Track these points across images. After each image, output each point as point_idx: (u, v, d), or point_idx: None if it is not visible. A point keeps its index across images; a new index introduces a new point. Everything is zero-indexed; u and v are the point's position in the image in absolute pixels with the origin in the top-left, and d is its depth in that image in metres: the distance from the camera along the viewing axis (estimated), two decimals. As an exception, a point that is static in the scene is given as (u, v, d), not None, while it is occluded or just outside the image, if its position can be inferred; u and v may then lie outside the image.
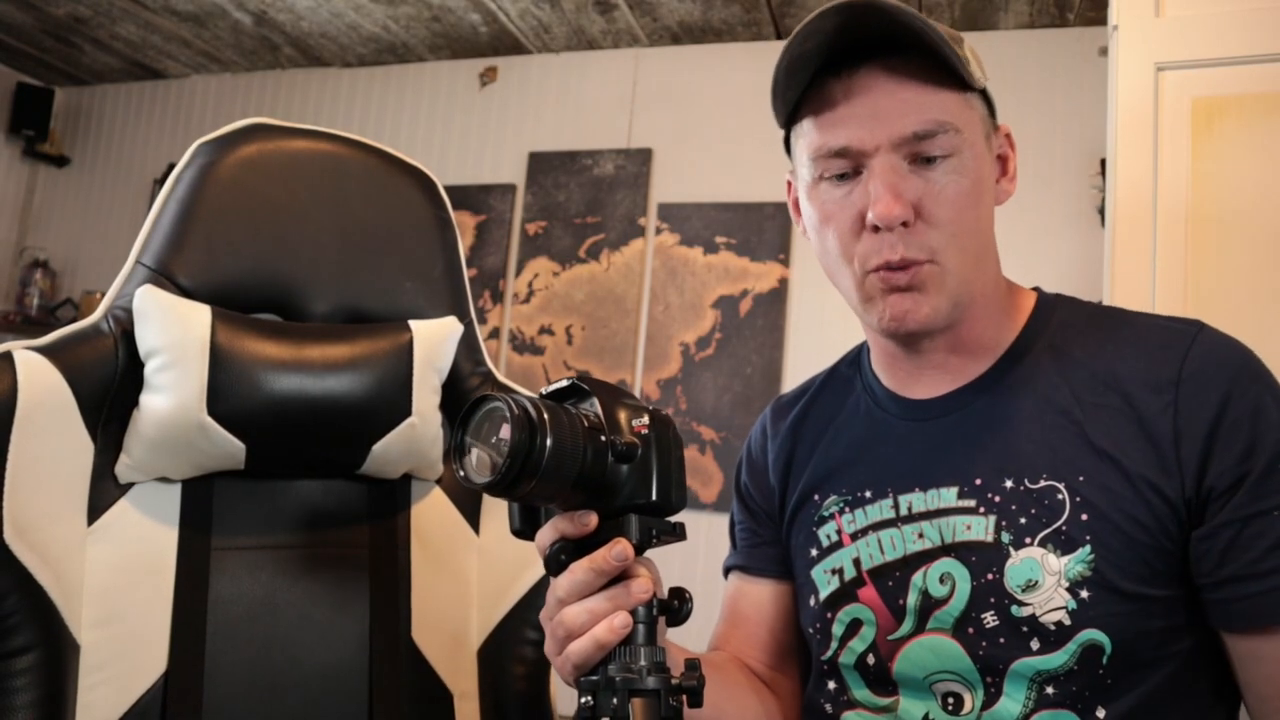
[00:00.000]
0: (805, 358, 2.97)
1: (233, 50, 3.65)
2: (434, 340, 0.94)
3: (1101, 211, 2.58)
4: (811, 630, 0.84)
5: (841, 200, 0.76)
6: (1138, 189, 1.28)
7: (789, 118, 0.80)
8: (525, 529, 0.69)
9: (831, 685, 0.82)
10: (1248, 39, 1.25)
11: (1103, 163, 2.48)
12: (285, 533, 0.91)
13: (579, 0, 3.04)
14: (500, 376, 1.02)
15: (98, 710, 0.78)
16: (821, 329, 2.96)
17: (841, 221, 0.76)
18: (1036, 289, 0.84)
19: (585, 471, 0.62)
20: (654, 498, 0.63)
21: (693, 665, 0.63)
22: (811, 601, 0.83)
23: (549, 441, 0.59)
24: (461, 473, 0.62)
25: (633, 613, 0.63)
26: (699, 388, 3.05)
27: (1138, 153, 1.29)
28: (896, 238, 0.73)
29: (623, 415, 0.65)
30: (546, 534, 0.65)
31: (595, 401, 0.65)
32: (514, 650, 0.97)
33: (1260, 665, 0.69)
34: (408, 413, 0.91)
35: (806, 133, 0.77)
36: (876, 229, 0.73)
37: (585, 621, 0.63)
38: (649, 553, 0.66)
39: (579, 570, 0.63)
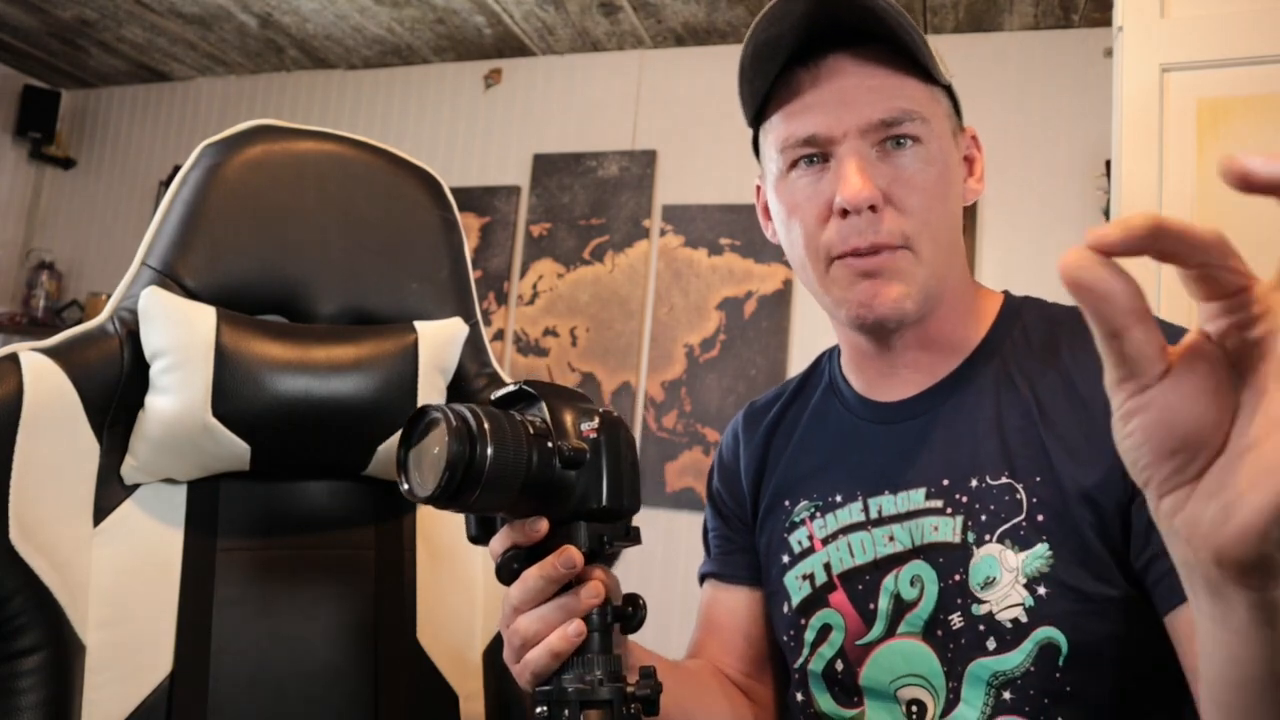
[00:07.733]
0: (809, 359, 2.94)
1: (238, 53, 3.66)
2: (439, 341, 0.94)
3: (1106, 213, 2.57)
4: (785, 638, 0.83)
5: (809, 189, 0.75)
6: (1143, 190, 1.28)
7: (758, 114, 0.79)
8: (481, 535, 0.68)
9: (800, 697, 0.81)
10: (1253, 40, 1.25)
11: (1108, 164, 2.47)
12: (290, 534, 0.91)
13: (583, 2, 3.04)
14: (506, 377, 1.02)
15: (103, 710, 0.78)
16: (825, 331, 2.91)
17: (808, 211, 0.75)
18: (1005, 292, 0.83)
19: (531, 479, 0.61)
20: (604, 503, 0.63)
21: (648, 673, 0.62)
22: (785, 608, 0.83)
23: (489, 450, 0.58)
24: (405, 486, 0.61)
25: (586, 619, 0.62)
26: (703, 389, 3.05)
27: (1143, 154, 1.28)
28: (865, 223, 0.71)
29: (570, 419, 0.64)
30: (499, 542, 0.65)
31: (543, 406, 0.64)
32: (518, 651, 0.97)
33: (1192, 645, 0.62)
34: (413, 414, 0.91)
35: (775, 127, 0.77)
36: (845, 214, 0.72)
37: (539, 630, 0.62)
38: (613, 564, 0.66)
39: (530, 578, 0.62)
